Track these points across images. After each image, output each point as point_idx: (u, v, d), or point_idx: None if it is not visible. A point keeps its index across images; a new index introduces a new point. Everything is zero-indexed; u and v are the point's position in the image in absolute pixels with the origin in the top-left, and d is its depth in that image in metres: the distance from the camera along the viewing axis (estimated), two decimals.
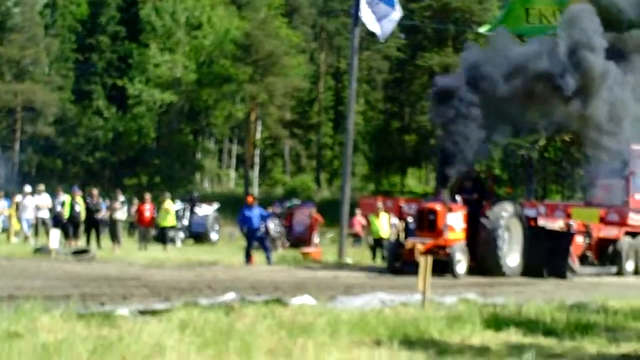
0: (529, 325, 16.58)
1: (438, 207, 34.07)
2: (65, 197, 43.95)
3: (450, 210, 33.95)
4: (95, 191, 45.51)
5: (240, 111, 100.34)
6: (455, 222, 33.90)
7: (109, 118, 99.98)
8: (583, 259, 38.85)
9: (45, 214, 44.67)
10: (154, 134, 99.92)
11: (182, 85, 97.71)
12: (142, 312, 15.24)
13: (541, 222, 37.06)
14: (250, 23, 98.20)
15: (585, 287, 32.54)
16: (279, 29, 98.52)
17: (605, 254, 39.64)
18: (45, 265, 28.16)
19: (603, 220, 39.96)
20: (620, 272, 39.25)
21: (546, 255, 35.41)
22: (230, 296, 18.77)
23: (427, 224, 34.02)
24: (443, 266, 32.41)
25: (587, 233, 38.79)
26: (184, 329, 13.09)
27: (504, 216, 34.24)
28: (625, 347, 14.85)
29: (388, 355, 12.40)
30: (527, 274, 34.52)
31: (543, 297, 24.16)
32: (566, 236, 36.93)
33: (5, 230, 44.83)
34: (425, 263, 20.49)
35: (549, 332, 16.05)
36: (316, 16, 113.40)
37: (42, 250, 34.94)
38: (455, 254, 32.69)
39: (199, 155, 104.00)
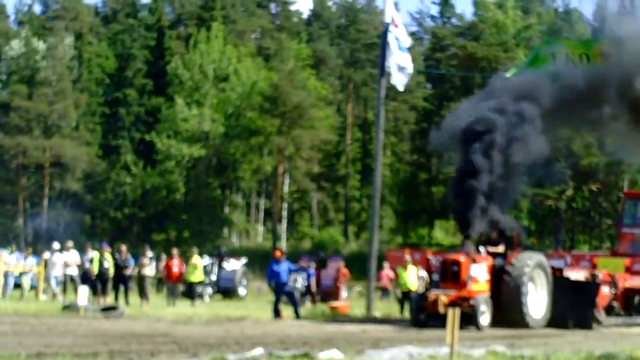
0: None
1: (462, 258, 33.64)
2: (93, 254, 44.02)
3: (474, 261, 33.54)
4: (123, 247, 45.43)
5: (267, 164, 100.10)
6: (479, 273, 33.54)
7: (137, 174, 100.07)
8: (609, 310, 38.18)
9: (73, 271, 44.69)
10: (182, 189, 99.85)
11: (210, 138, 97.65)
12: None
13: (566, 272, 36.71)
14: (278, 75, 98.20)
15: (614, 337, 32.47)
16: (306, 80, 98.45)
17: (632, 304, 39.10)
18: (74, 323, 28.21)
19: (629, 270, 39.58)
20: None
21: (571, 306, 35.12)
22: (258, 351, 18.91)
23: (451, 275, 33.62)
24: (467, 318, 31.48)
25: (613, 283, 38.23)
26: None
27: (529, 265, 33.83)
28: None
29: None
30: (553, 325, 34.12)
31: (571, 348, 24.25)
32: (592, 286, 36.64)
33: (34, 287, 44.85)
34: (453, 315, 20.68)
35: None
36: (343, 67, 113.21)
37: (70, 308, 34.96)
38: (480, 306, 32.18)
39: (226, 210, 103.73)
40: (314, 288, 46.18)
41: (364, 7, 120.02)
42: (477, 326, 31.79)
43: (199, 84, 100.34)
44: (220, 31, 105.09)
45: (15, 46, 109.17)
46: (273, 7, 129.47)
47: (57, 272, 44.44)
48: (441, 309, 31.49)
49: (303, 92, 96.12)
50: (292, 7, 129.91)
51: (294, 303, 36.90)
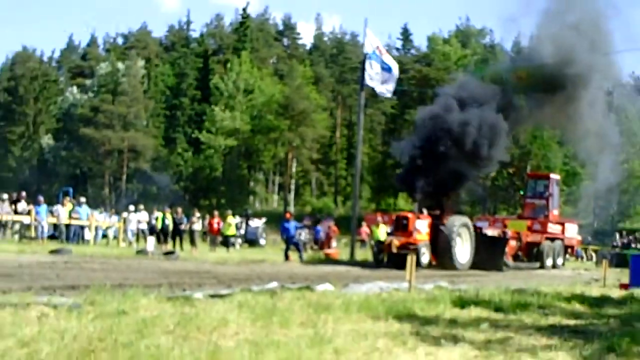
0: (484, 304, 16.77)
1: (409, 215, 35.66)
2: (158, 214, 44.60)
3: (418, 218, 35.23)
4: (179, 209, 45.84)
5: (281, 152, 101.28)
6: (421, 227, 34.94)
7: (188, 158, 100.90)
8: (516, 257, 40.39)
9: (143, 226, 44.87)
10: (220, 169, 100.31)
11: (240, 133, 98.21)
12: (212, 296, 15.42)
13: (485, 230, 37.97)
14: (289, 89, 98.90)
15: (524, 277, 32.81)
16: (308, 93, 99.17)
17: (532, 253, 41.32)
18: (144, 263, 28.18)
19: (530, 229, 41.39)
20: (542, 267, 40.77)
21: (487, 254, 36.44)
22: (273, 284, 19.02)
23: (401, 227, 34.95)
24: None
25: (518, 238, 40.34)
26: (241, 308, 13.26)
27: (457, 224, 35.48)
28: (552, 320, 15.08)
29: (385, 326, 12.63)
30: (475, 268, 35.40)
31: (494, 284, 24.35)
32: (502, 240, 38.07)
33: (116, 238, 44.87)
34: (411, 261, 20.73)
35: (498, 309, 16.25)
36: (334, 84, 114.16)
37: (141, 252, 34.90)
38: (421, 249, 33.67)
39: (252, 184, 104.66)
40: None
41: (349, 42, 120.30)
42: (419, 264, 31.50)
43: (232, 95, 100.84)
44: (248, 57, 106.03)
45: (104, 66, 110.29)
46: (285, 40, 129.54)
47: (132, 227, 44.55)
48: (394, 250, 33.92)
49: (306, 101, 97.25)
50: (299, 41, 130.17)
51: (299, 250, 37.30)
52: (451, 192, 39.41)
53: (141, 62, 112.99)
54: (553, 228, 43.01)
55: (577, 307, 17.99)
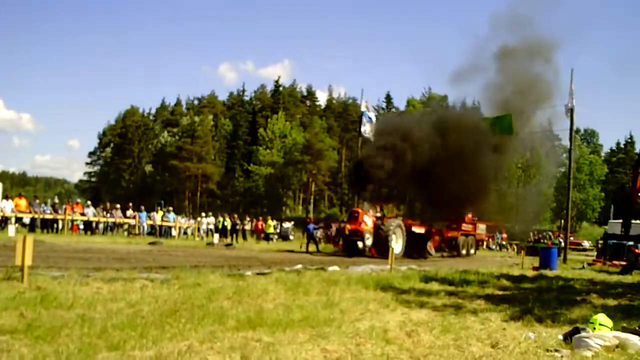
0: (441, 280, 16.81)
1: (360, 210, 34.73)
2: (221, 218, 44.65)
3: (365, 213, 34.58)
4: (235, 215, 46.32)
5: (304, 177, 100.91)
6: (368, 221, 34.28)
7: (242, 181, 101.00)
8: (439, 248, 40.00)
9: (211, 226, 45.03)
10: (263, 188, 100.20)
11: (276, 165, 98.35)
12: (257, 274, 15.46)
13: (414, 228, 36.60)
14: (309, 135, 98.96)
15: (466, 262, 32.95)
16: (323, 138, 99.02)
17: (451, 245, 40.89)
18: (211, 251, 28.11)
19: (449, 227, 41.38)
20: (458, 255, 40.38)
21: (416, 246, 36.00)
22: (298, 266, 19.09)
23: (353, 218, 34.33)
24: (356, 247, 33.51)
25: (441, 234, 40.27)
26: (277, 282, 13.32)
27: (393, 225, 34.55)
28: (488, 291, 15.13)
29: (374, 294, 12.70)
30: (408, 257, 34.00)
31: (447, 267, 24.32)
32: (425, 236, 37.47)
33: (192, 234, 44.86)
34: (392, 252, 20.69)
35: (451, 283, 16.32)
36: (341, 132, 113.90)
37: (210, 244, 34.86)
38: (365, 234, 33.40)
39: (284, 199, 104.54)
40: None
41: (351, 103, 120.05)
42: (364, 247, 33.24)
43: (271, 139, 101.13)
44: (282, 114, 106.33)
45: (185, 119, 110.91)
46: (307, 102, 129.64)
47: (203, 226, 44.84)
48: (346, 232, 33.58)
49: (321, 143, 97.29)
50: (317, 103, 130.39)
51: (316, 244, 36.83)
52: (390, 202, 39.74)
53: (210, 117, 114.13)
54: (466, 227, 42.50)
55: (504, 282, 18.05)
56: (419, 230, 36.96)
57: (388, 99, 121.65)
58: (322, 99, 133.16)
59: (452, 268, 23.35)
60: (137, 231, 41.58)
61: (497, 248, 63.66)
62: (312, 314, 9.35)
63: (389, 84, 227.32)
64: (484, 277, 18.94)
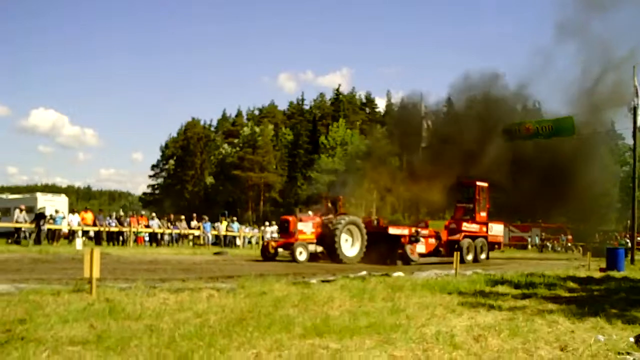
0: (507, 283, 16.66)
1: (290, 218, 29.59)
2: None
3: (300, 220, 29.26)
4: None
5: (365, 183, 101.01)
6: (305, 227, 29.00)
7: (305, 188, 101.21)
8: (436, 253, 34.02)
9: (275, 235, 44.93)
10: (325, 195, 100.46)
11: (338, 172, 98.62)
12: (322, 281, 15.47)
13: (391, 229, 31.52)
14: (369, 141, 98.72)
15: (534, 264, 32.30)
16: (383, 144, 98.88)
17: (452, 249, 32.93)
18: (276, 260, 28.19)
19: (447, 228, 35.35)
20: (462, 261, 30.15)
21: (388, 250, 30.62)
22: (363, 273, 19.02)
23: (284, 228, 29.45)
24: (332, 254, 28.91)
25: (437, 236, 34.32)
26: (342, 289, 13.31)
27: (342, 223, 28.99)
28: (554, 293, 14.96)
29: (440, 299, 12.62)
30: (367, 262, 28.95)
31: (512, 270, 24.09)
32: (399, 238, 31.42)
33: (257, 243, 45.00)
34: (456, 257, 20.53)
35: (517, 286, 16.16)
36: (401, 137, 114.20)
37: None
38: (297, 248, 27.46)
39: (347, 205, 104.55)
40: None
41: (408, 107, 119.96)
42: (295, 261, 26.96)
43: (332, 147, 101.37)
44: (342, 121, 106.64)
45: (246, 130, 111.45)
46: (367, 109, 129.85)
47: (267, 236, 44.55)
48: (270, 250, 28.20)
49: (382, 148, 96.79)
50: (376, 109, 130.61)
51: None
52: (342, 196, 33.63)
53: (271, 126, 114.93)
54: (470, 227, 35.76)
55: (571, 284, 17.81)
56: (396, 231, 31.88)
57: (449, 101, 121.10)
58: (381, 104, 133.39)
59: (518, 271, 23.13)
60: (202, 242, 42.05)
61: (563, 250, 62.91)
62: (378, 320, 9.32)
63: (448, 86, 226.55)
64: (550, 280, 18.70)
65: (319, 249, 29.23)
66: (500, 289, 15.54)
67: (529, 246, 66.72)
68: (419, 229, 32.87)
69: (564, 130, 39.84)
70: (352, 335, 7.99)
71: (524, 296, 14.00)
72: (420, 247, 32.55)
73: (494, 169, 37.74)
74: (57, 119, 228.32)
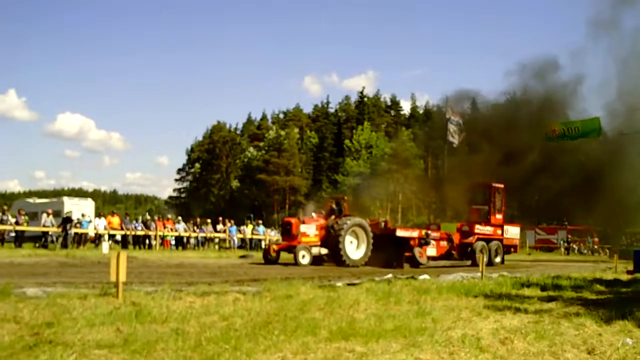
0: (533, 286, 16.59)
1: (293, 220, 28.46)
2: None
3: (303, 222, 28.27)
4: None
5: (391, 186, 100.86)
6: (308, 230, 28.04)
7: (330, 192, 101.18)
8: (448, 256, 32.78)
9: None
10: (351, 198, 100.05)
11: (363, 175, 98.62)
12: (348, 284, 15.47)
13: (399, 232, 30.48)
14: (395, 144, 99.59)
15: (559, 267, 32.08)
16: (409, 147, 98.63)
17: (464, 252, 33.04)
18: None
19: (459, 230, 33.92)
20: (475, 264, 29.60)
21: (395, 252, 29.43)
22: (389, 276, 19.02)
23: (286, 232, 28.31)
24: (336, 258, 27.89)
25: (449, 239, 32.83)
26: (368, 292, 13.31)
27: (347, 224, 27.91)
28: (581, 295, 14.89)
29: (466, 302, 12.59)
30: (374, 265, 28.16)
31: (539, 273, 23.99)
32: (407, 240, 30.38)
33: None
34: (482, 259, 20.45)
35: (543, 289, 16.09)
36: (426, 139, 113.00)
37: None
38: (299, 252, 26.56)
39: (372, 208, 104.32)
40: None
41: (435, 111, 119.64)
42: (297, 263, 26.26)
43: (357, 150, 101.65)
44: (367, 124, 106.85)
45: (271, 133, 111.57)
46: (392, 112, 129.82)
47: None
48: (272, 253, 27.59)
49: (407, 152, 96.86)
50: (401, 112, 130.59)
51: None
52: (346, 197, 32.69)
53: (296, 130, 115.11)
54: (484, 229, 34.56)
55: (598, 287, 17.72)
56: (404, 233, 30.92)
57: (473, 103, 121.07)
58: (406, 107, 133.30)
59: (544, 274, 23.03)
60: (227, 245, 42.16)
61: (589, 252, 62.57)
62: (404, 323, 9.32)
63: (474, 87, 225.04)
64: (577, 282, 18.63)
65: (324, 251, 28.35)
66: (527, 291, 15.49)
67: (561, 249, 66.07)
68: (430, 231, 32.04)
69: (591, 131, 39.61)
70: (378, 339, 7.99)
71: (550, 299, 13.93)
72: (431, 250, 31.67)
73: (529, 170, 37.43)
74: (83, 123, 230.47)
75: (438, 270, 24.88)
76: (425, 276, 19.31)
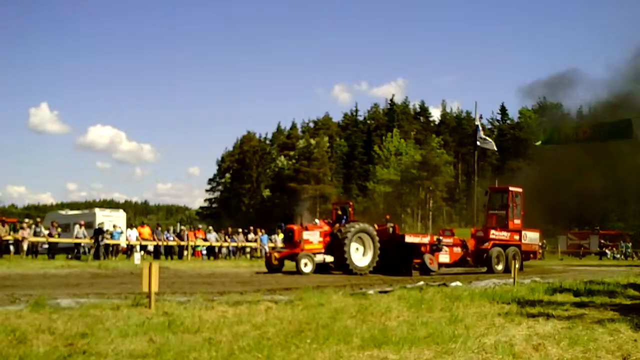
0: (566, 292, 16.47)
1: (295, 227, 27.68)
2: None
3: (306, 229, 27.57)
4: None
5: (422, 194, 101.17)
6: (311, 237, 27.34)
7: (360, 199, 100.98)
8: (462, 263, 31.49)
9: None
10: (381, 206, 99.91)
11: (393, 183, 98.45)
12: (380, 292, 15.46)
13: (407, 238, 29.38)
14: (425, 151, 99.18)
15: (594, 272, 31.74)
16: (439, 153, 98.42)
17: (480, 259, 31.52)
18: (333, 273, 28.08)
19: (473, 236, 32.66)
20: (490, 271, 30.63)
21: (404, 259, 28.61)
22: (420, 283, 18.98)
23: (288, 238, 27.81)
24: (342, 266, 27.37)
25: (463, 245, 31.43)
26: (400, 299, 13.30)
27: (352, 230, 27.30)
28: (614, 301, 14.75)
29: (499, 308, 12.53)
30: (381, 271, 27.66)
31: (572, 278, 23.85)
32: (415, 247, 29.35)
33: None
34: (514, 265, 20.30)
35: (576, 294, 15.95)
36: (456, 146, 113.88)
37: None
38: (301, 260, 26.06)
39: (402, 216, 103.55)
40: None
41: (464, 117, 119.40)
42: (300, 272, 25.78)
43: (387, 157, 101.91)
44: (397, 132, 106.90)
45: (301, 142, 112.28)
46: (421, 118, 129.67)
47: None
48: (273, 261, 27.18)
49: (437, 159, 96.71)
50: (430, 119, 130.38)
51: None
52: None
53: (326, 138, 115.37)
54: (500, 235, 32.74)
55: (632, 292, 17.52)
56: (414, 239, 29.94)
57: (503, 110, 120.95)
58: (435, 114, 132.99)
59: (577, 279, 22.87)
60: (259, 254, 42.21)
61: (622, 257, 61.95)
62: (436, 330, 9.27)
63: (503, 94, 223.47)
64: (610, 287, 18.42)
65: (329, 258, 27.65)
66: (560, 297, 15.36)
67: (601, 256, 65.21)
68: (442, 238, 30.88)
69: (621, 132, 39.15)
70: (411, 346, 7.96)
71: (584, 304, 13.82)
72: (444, 257, 30.49)
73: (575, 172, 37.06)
74: (114, 135, 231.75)
75: (452, 277, 24.44)
76: (457, 283, 19.28)
